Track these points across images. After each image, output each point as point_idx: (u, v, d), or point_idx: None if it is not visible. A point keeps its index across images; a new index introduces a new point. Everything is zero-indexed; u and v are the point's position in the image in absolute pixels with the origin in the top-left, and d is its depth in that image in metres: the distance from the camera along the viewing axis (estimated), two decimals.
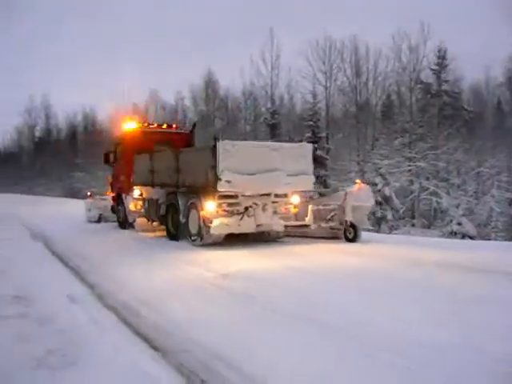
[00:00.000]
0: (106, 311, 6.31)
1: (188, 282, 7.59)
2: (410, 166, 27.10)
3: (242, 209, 11.53)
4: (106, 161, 19.08)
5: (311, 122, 31.04)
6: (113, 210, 18.29)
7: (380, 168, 25.26)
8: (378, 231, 22.90)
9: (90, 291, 7.35)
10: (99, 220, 19.38)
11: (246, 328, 5.29)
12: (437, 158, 26.83)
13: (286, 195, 12.21)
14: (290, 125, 36.75)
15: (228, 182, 10.96)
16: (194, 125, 19.50)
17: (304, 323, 5.37)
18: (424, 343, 4.53)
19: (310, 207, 12.38)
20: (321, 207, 12.91)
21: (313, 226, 12.46)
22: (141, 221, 15.79)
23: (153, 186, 14.71)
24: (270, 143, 15.33)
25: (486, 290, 6.76)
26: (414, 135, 28.34)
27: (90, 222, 19.29)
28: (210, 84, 46.92)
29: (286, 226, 12.15)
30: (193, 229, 11.95)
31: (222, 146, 11.05)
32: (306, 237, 12.80)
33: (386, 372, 3.99)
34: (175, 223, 13.12)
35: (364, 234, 12.33)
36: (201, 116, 44.55)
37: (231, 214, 11.48)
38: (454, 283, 7.08)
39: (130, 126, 17.72)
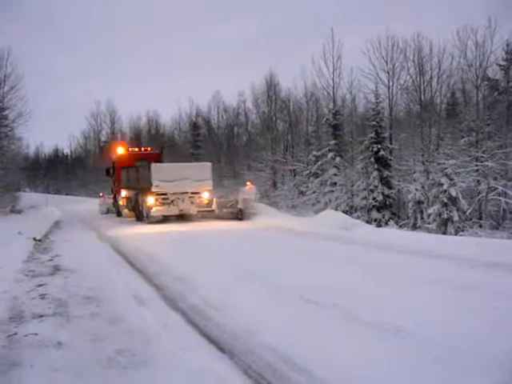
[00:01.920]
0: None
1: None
2: (477, 165, 26.34)
3: (169, 201, 21.57)
4: (107, 173, 29.95)
5: (374, 122, 30.67)
6: (113, 205, 29.37)
7: (445, 168, 24.69)
8: (444, 233, 22.45)
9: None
10: (107, 212, 30.26)
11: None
12: (506, 157, 25.97)
13: (198, 192, 22.12)
14: (353, 125, 36.37)
15: (157, 186, 21.27)
16: (162, 147, 32.39)
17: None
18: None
19: (214, 199, 22.59)
20: (222, 199, 23.71)
21: (217, 211, 22.55)
22: (126, 211, 26.55)
23: (129, 189, 25.46)
24: (183, 164, 26.25)
25: None
26: (481, 134, 27.54)
27: (102, 213, 30.52)
28: (272, 85, 46.97)
29: (198, 211, 22.14)
30: (144, 213, 22.48)
31: (153, 166, 21.73)
32: (215, 218, 22.46)
33: None
34: (138, 211, 23.62)
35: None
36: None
37: (163, 204, 21.55)
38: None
39: (120, 150, 28.64)
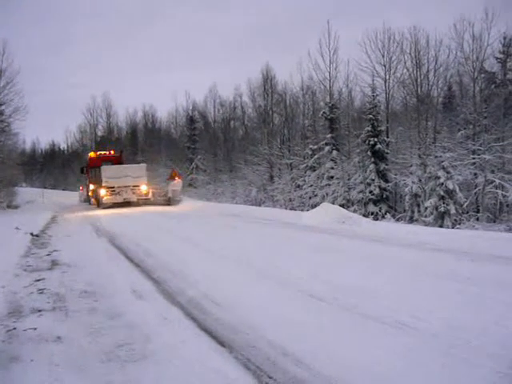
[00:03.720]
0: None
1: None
2: (474, 158, 26.39)
3: (116, 192, 28.86)
4: (82, 172, 36.60)
5: (371, 116, 30.69)
6: (87, 196, 35.72)
7: (442, 161, 24.72)
8: (441, 226, 22.48)
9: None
10: (84, 201, 36.69)
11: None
12: (503, 149, 26.01)
13: (138, 186, 29.41)
14: (350, 119, 36.39)
15: (106, 182, 28.85)
16: (121, 151, 37.65)
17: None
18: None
19: (151, 190, 30.08)
20: (157, 190, 31.40)
21: (152, 199, 30.11)
22: (93, 200, 32.80)
23: (93, 184, 32.30)
24: (125, 165, 33.09)
25: None
26: (478, 127, 27.58)
27: (81, 202, 37.94)
28: (268, 79, 46.94)
29: (138, 199, 29.58)
30: (98, 201, 30.14)
31: (103, 168, 29.56)
32: (152, 204, 29.75)
33: None
34: (97, 200, 30.62)
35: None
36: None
37: (112, 194, 28.82)
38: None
39: (91, 153, 36.98)
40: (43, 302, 6.84)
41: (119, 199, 29.31)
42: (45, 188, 66.43)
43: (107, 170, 29.85)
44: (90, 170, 34.30)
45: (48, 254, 11.24)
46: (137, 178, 29.84)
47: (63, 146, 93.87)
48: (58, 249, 12.05)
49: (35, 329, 5.65)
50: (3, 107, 32.98)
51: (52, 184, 78.51)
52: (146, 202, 30.09)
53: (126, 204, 29.10)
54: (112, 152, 37.11)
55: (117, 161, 34.38)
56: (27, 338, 5.36)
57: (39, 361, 4.68)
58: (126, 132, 74.72)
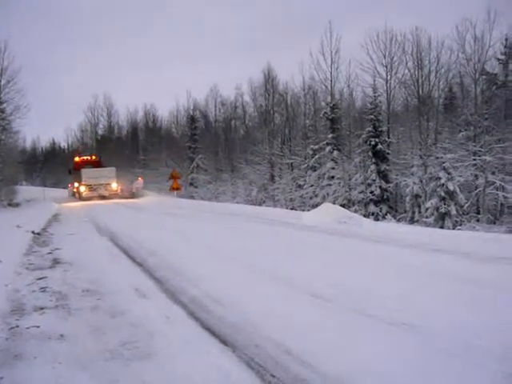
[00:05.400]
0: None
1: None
2: (474, 159, 26.42)
3: (93, 189, 38.65)
4: (69, 172, 44.91)
5: (372, 116, 30.76)
6: (73, 192, 42.30)
7: (443, 162, 24.76)
8: (442, 227, 22.49)
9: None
10: (72, 195, 42.70)
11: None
12: (503, 151, 26.03)
13: (109, 184, 39.06)
14: (351, 119, 36.45)
15: (85, 181, 38.94)
16: (101, 156, 47.41)
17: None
18: None
19: (119, 187, 39.42)
20: (124, 187, 40.01)
21: (120, 194, 39.07)
22: (76, 195, 40.32)
23: (77, 182, 40.07)
24: (100, 168, 41.14)
25: None
26: (479, 128, 27.59)
27: (69, 196, 43.87)
28: (270, 79, 46.97)
29: (110, 194, 38.71)
30: (79, 195, 39.14)
31: (83, 171, 39.76)
32: (120, 198, 38.05)
33: None
34: (79, 194, 39.36)
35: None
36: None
37: (89, 190, 38.67)
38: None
39: (76, 158, 46.11)
40: (46, 300, 6.85)
41: (95, 194, 38.77)
42: (45, 186, 66.44)
43: (86, 172, 39.74)
44: (75, 172, 42.71)
45: (49, 252, 11.26)
46: (108, 178, 39.59)
47: (64, 144, 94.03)
48: (60, 247, 12.06)
49: (38, 327, 5.66)
50: (4, 105, 33.02)
51: (53, 182, 78.46)
52: (115, 195, 39.08)
53: (101, 198, 38.31)
54: (93, 157, 47.24)
55: (96, 164, 44.14)
56: (30, 336, 5.37)
57: (43, 358, 4.69)
58: (127, 131, 74.77)
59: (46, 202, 35.55)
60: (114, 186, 39.44)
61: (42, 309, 6.43)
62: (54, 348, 4.98)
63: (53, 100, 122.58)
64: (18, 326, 5.70)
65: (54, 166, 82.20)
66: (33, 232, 15.05)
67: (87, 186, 38.84)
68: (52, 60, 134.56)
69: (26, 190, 44.61)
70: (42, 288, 7.59)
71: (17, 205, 31.86)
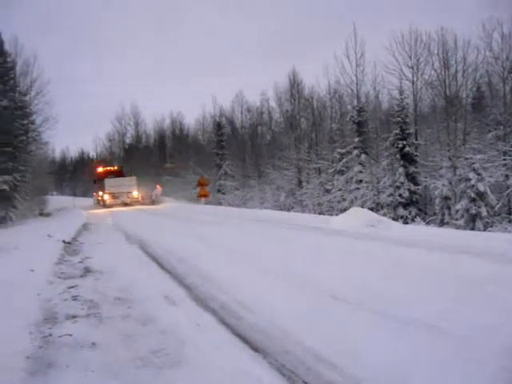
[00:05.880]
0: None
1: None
2: (505, 159, 26.07)
3: (116, 196, 42.80)
4: (94, 182, 48.62)
5: (399, 118, 30.56)
6: (98, 200, 46.08)
7: (473, 163, 24.48)
8: (472, 229, 22.22)
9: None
10: (97, 203, 45.92)
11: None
12: None
13: (131, 192, 43.20)
14: (377, 122, 36.26)
15: (108, 189, 43.25)
16: (122, 166, 52.05)
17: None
18: None
19: (140, 195, 43.71)
20: (145, 194, 44.42)
21: (141, 201, 43.37)
22: (101, 203, 43.84)
23: (101, 191, 44.62)
24: (121, 178, 45.26)
25: None
26: (509, 127, 27.26)
27: (94, 204, 47.31)
28: (295, 84, 46.96)
29: (131, 201, 42.61)
30: (104, 203, 43.05)
31: (106, 180, 44.02)
32: (141, 204, 42.15)
33: None
34: (103, 202, 43.58)
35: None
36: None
37: (112, 198, 42.80)
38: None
39: (99, 168, 50.25)
40: (77, 309, 6.91)
41: (118, 202, 42.46)
42: (75, 196, 67.28)
43: (109, 182, 43.85)
44: (99, 181, 46.51)
45: (80, 261, 11.38)
46: (130, 186, 43.51)
47: (92, 154, 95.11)
48: (90, 255, 12.19)
49: (70, 335, 5.72)
50: (34, 117, 33.59)
51: (82, 191, 79.37)
52: (136, 202, 42.91)
53: (124, 205, 41.91)
54: (116, 167, 51.15)
55: (119, 173, 47.93)
56: (63, 344, 5.43)
57: (75, 366, 4.74)
58: (154, 139, 75.37)
59: (76, 211, 36.10)
60: (135, 193, 43.55)
61: (74, 317, 6.50)
62: (86, 356, 5.02)
63: (81, 110, 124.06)
64: (50, 335, 5.77)
65: (83, 175, 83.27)
66: (63, 241, 15.23)
67: (110, 194, 42.95)
68: (79, 70, 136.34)
69: (56, 200, 45.74)
70: (74, 297, 7.67)
71: (47, 214, 32.32)
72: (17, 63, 32.15)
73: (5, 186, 23.88)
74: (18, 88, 31.17)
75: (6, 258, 11.20)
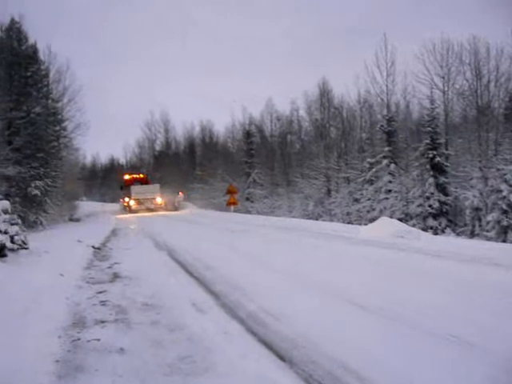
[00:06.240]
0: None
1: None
2: None
3: (141, 202, 45.87)
4: (121, 188, 50.82)
5: (429, 128, 30.30)
6: (124, 206, 48.35)
7: (505, 174, 24.14)
8: (504, 241, 21.90)
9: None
10: (124, 209, 47.74)
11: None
12: None
13: (154, 198, 46.51)
14: (407, 131, 35.98)
15: (134, 196, 46.16)
16: (147, 173, 57.15)
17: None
18: None
19: (162, 200, 46.90)
20: (168, 200, 47.68)
21: (164, 207, 46.83)
22: (127, 208, 46.20)
23: (127, 197, 47.28)
24: (146, 185, 48.78)
25: None
26: None
27: (120, 209, 48.55)
28: (325, 92, 46.87)
29: (155, 207, 46.08)
30: (129, 208, 45.75)
31: (132, 187, 47.01)
32: (165, 210, 45.97)
33: None
34: (129, 208, 46.02)
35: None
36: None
37: (138, 204, 45.78)
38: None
39: (126, 175, 53.91)
40: (106, 314, 6.97)
41: (143, 207, 45.64)
42: (104, 201, 67.99)
43: (134, 189, 46.78)
44: (125, 188, 49.17)
45: (109, 267, 11.48)
46: (153, 193, 46.65)
47: (122, 160, 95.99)
48: (119, 261, 12.28)
49: (99, 340, 5.76)
50: (66, 123, 34.09)
51: (111, 197, 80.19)
52: (160, 208, 46.16)
53: (147, 210, 45.09)
54: (141, 175, 54.37)
55: (144, 181, 51.22)
56: (91, 349, 5.48)
57: (103, 371, 4.77)
58: (184, 146, 75.69)
59: (105, 216, 36.43)
60: (159, 200, 46.69)
61: (102, 322, 6.55)
62: (114, 361, 5.06)
63: (112, 117, 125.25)
64: (79, 339, 5.82)
65: (112, 181, 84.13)
66: (93, 246, 15.40)
67: (136, 200, 46.06)
68: (110, 77, 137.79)
69: (85, 205, 46.35)
70: (102, 302, 7.74)
71: (77, 220, 32.70)
72: (50, 71, 32.66)
73: (36, 191, 24.21)
74: (51, 95, 31.66)
75: (37, 262, 11.37)
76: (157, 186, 48.02)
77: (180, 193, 50.44)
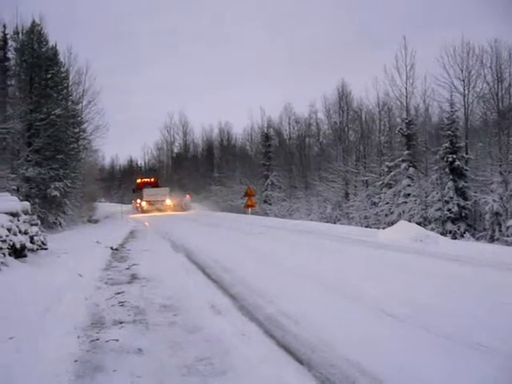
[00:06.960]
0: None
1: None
2: None
3: (151, 203, 50.47)
4: (133, 191, 56.12)
5: (449, 132, 30.09)
6: (137, 207, 52.61)
7: None
8: None
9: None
10: (136, 209, 51.46)
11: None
12: None
13: (164, 200, 50.88)
14: (427, 135, 35.71)
15: (146, 197, 50.97)
16: (157, 178, 61.46)
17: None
18: None
19: (171, 202, 51.38)
20: (176, 202, 51.81)
21: (173, 207, 50.65)
22: (139, 209, 51.15)
23: (139, 199, 52.36)
24: (157, 188, 53.62)
25: None
26: None
27: (133, 210, 52.22)
28: (344, 96, 46.76)
29: (165, 208, 50.12)
30: (141, 209, 50.71)
31: (144, 190, 52.05)
32: (174, 211, 49.41)
33: None
34: (141, 208, 50.90)
35: None
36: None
37: (149, 205, 50.45)
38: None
39: (138, 179, 58.87)
40: (124, 315, 7.00)
41: (153, 208, 49.65)
42: (122, 203, 68.41)
43: (146, 191, 51.43)
44: (137, 190, 54.15)
45: (127, 268, 11.53)
46: (163, 195, 50.99)
47: (141, 162, 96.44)
48: (137, 262, 12.33)
49: (117, 340, 5.78)
50: (85, 125, 34.36)
51: (130, 199, 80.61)
52: (169, 209, 50.11)
53: (157, 211, 49.15)
54: (152, 179, 58.47)
55: (154, 184, 55.89)
56: (110, 349, 5.50)
57: (121, 371, 4.79)
58: (202, 149, 75.87)
59: (123, 218, 36.58)
60: (168, 201, 51.09)
61: (120, 323, 6.58)
62: (132, 362, 5.08)
63: (131, 119, 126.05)
64: (98, 339, 5.85)
65: (131, 183, 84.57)
66: (111, 248, 15.48)
67: (147, 201, 50.69)
68: (130, 79, 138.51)
69: (104, 207, 46.87)
70: (121, 302, 7.77)
71: (96, 221, 32.94)
72: (70, 73, 32.98)
73: (56, 193, 24.44)
74: (70, 97, 31.98)
75: (56, 263, 11.48)
76: (166, 189, 53.12)
77: (187, 195, 54.20)
